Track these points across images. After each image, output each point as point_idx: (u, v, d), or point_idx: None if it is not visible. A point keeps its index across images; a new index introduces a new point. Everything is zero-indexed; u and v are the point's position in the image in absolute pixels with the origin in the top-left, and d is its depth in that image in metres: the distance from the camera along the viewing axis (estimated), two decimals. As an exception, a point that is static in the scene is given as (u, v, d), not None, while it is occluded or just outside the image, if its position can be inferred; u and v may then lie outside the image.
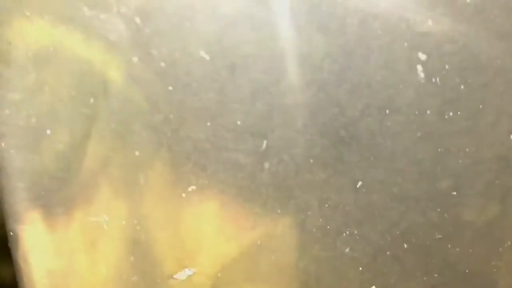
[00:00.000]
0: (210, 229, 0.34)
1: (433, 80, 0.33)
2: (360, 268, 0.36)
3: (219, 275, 0.35)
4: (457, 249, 0.36)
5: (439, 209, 0.35)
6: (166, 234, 0.34)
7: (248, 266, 0.35)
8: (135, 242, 0.34)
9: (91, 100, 0.32)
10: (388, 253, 0.36)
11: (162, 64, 0.31)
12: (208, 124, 0.32)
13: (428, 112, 0.33)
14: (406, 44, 0.32)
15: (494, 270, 0.36)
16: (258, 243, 0.35)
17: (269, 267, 0.35)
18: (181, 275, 0.34)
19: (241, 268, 0.35)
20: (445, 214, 0.35)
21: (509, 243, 0.36)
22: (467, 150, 0.34)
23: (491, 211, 0.35)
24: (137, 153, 0.32)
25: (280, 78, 0.32)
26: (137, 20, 0.31)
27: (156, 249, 0.34)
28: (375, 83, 0.33)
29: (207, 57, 0.31)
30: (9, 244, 0.35)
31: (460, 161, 0.34)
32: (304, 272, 0.36)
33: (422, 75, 0.33)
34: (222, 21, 0.31)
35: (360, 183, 0.34)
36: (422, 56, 0.32)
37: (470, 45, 0.32)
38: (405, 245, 0.36)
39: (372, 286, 0.36)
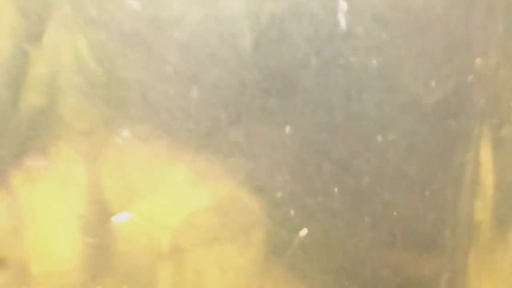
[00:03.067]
0: (146, 175, 0.36)
1: (355, 29, 0.35)
2: (292, 212, 0.37)
3: (155, 220, 0.37)
4: (386, 194, 0.38)
5: (366, 155, 0.37)
6: (104, 178, 0.36)
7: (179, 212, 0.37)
8: (74, 185, 0.36)
9: (29, 48, 0.33)
10: (318, 198, 0.37)
11: (93, 12, 0.33)
12: (140, 71, 0.34)
13: (352, 59, 0.35)
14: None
15: (421, 213, 0.38)
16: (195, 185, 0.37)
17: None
18: (119, 218, 0.36)
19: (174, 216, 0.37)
20: (371, 159, 0.37)
21: (435, 187, 0.38)
22: (389, 96, 0.36)
23: (414, 157, 0.37)
24: (71, 99, 0.34)
25: (217, 28, 0.34)
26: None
27: (94, 193, 0.36)
28: (304, 35, 0.35)
29: (137, 6, 0.33)
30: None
31: (384, 108, 0.36)
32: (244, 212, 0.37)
33: (344, 25, 0.34)
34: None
35: (288, 128, 0.36)
36: (343, 5, 0.34)
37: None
38: (336, 189, 0.37)
39: (304, 228, 0.38)
